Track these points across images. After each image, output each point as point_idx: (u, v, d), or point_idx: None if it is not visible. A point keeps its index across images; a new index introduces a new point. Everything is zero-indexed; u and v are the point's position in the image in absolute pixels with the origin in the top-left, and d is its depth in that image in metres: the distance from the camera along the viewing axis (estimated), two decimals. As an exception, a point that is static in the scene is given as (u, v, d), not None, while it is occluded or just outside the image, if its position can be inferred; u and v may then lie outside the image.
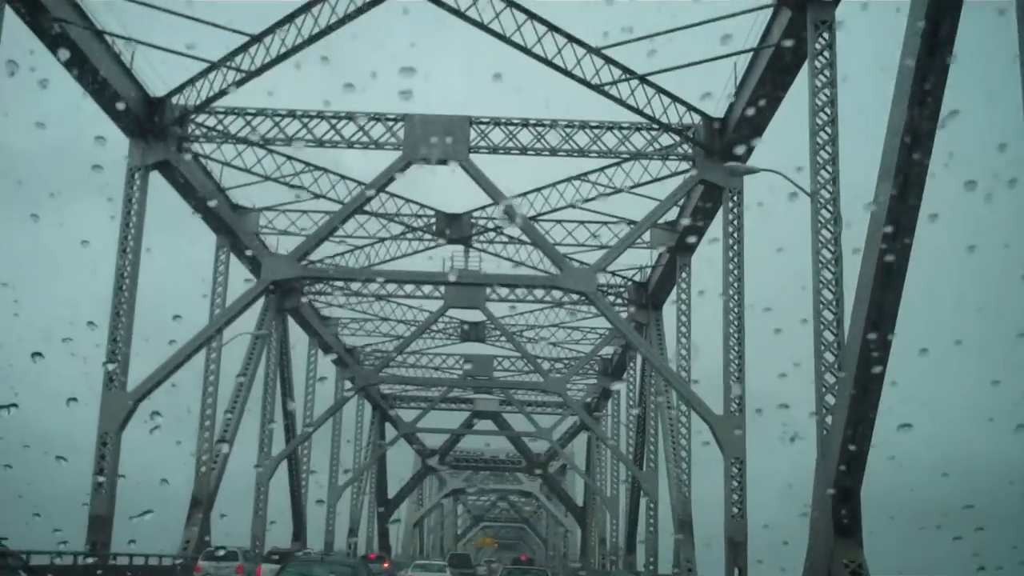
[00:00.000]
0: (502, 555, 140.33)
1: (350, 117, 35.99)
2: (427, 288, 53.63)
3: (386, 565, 47.32)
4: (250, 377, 45.69)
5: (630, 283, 52.68)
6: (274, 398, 52.43)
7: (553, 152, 36.72)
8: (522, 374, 67.71)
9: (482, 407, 76.54)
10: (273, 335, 49.19)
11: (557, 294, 52.35)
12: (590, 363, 67.01)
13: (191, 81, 33.72)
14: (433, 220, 45.80)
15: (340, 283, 53.20)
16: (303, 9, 30.81)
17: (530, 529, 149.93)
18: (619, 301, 53.27)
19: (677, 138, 35.65)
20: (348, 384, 61.31)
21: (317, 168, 40.76)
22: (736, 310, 33.58)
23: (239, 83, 32.24)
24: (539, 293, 54.00)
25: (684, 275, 43.17)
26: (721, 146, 34.32)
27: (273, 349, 50.85)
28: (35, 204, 34.34)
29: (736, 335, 33.10)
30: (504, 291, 53.78)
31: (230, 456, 42.80)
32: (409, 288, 54.23)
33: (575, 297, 49.60)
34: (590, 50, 31.42)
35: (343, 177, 41.02)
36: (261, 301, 45.18)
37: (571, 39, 31.18)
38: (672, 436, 42.36)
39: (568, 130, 36.39)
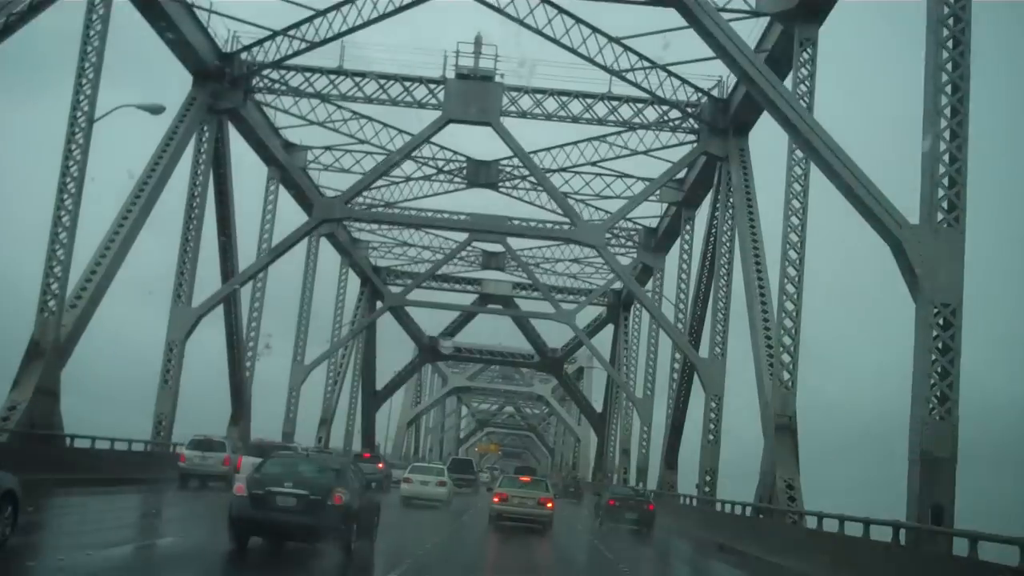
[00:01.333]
0: (506, 464, 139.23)
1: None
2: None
3: (381, 466, 45.62)
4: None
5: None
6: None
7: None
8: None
9: (491, 290, 73.38)
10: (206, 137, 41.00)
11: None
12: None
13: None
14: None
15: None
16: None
17: (537, 438, 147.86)
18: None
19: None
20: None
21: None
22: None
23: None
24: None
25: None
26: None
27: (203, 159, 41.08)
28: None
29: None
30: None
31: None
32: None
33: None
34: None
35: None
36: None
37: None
38: (766, 304, 32.38)
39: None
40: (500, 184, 51.12)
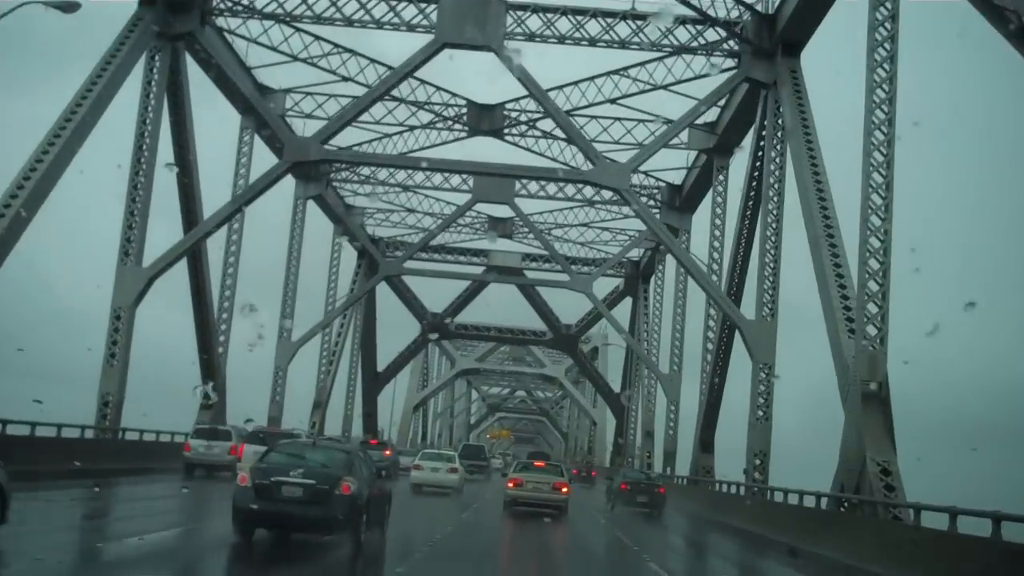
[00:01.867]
0: (518, 450, 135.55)
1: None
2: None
3: (388, 453, 44.09)
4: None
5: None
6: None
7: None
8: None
9: (499, 261, 67.36)
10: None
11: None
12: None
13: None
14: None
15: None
16: None
17: (550, 423, 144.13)
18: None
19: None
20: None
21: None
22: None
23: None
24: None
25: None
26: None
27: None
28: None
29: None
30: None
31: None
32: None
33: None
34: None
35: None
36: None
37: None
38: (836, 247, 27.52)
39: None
40: (506, 132, 45.40)
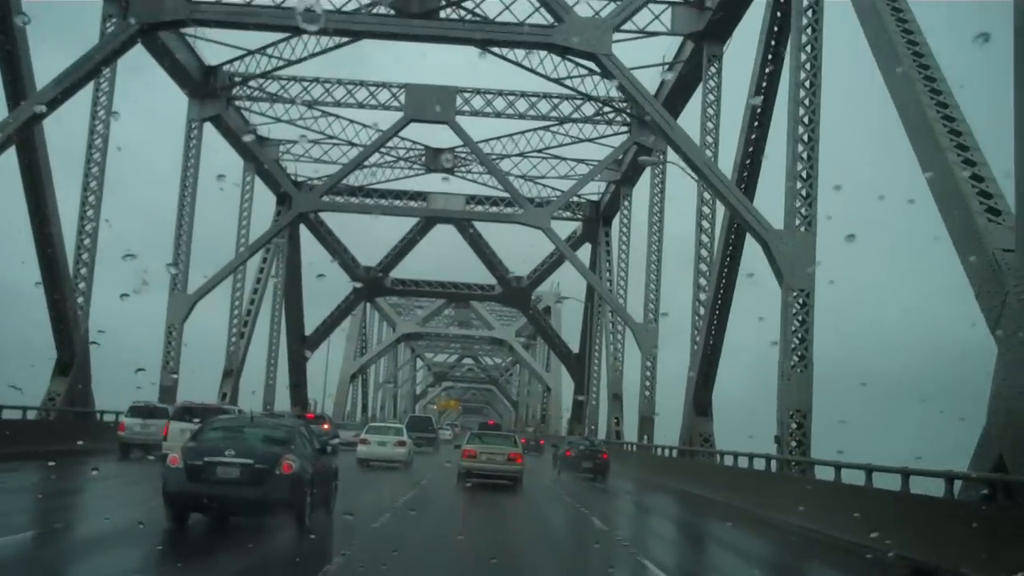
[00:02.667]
0: (467, 420, 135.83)
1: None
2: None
3: (326, 427, 42.02)
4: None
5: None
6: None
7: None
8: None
9: (441, 205, 59.55)
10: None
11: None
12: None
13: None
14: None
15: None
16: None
17: (499, 391, 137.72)
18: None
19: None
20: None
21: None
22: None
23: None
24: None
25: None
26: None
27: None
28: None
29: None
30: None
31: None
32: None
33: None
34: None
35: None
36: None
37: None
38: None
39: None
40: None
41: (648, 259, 44.43)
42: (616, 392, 51.38)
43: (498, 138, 50.10)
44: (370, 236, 67.08)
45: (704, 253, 34.16)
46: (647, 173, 45.87)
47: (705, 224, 34.79)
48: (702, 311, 32.91)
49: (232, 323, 51.69)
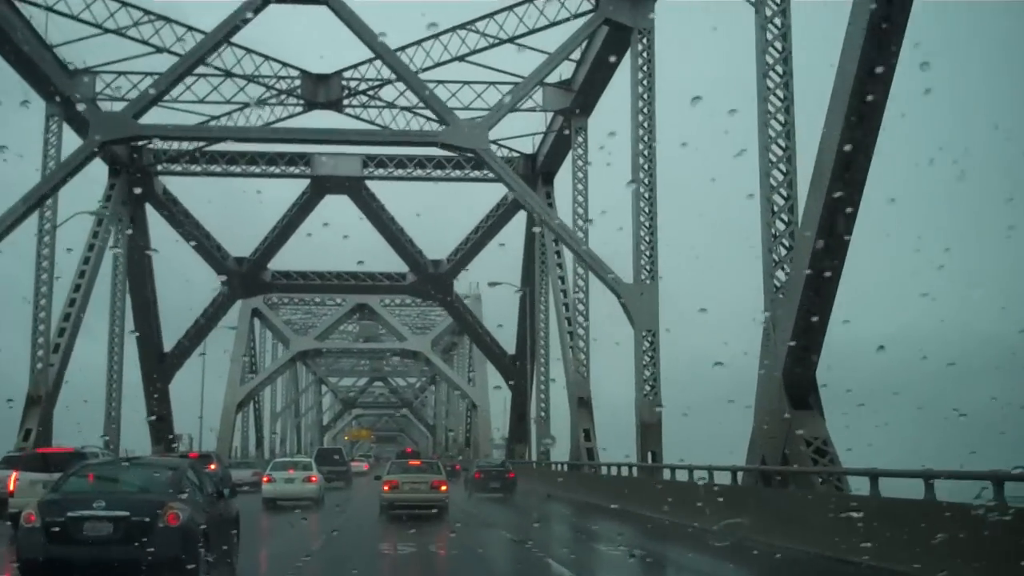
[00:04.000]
0: (381, 450, 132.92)
1: None
2: None
3: (213, 467, 36.57)
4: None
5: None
6: None
7: None
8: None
9: (329, 170, 47.06)
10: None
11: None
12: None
13: None
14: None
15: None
16: None
17: (413, 415, 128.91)
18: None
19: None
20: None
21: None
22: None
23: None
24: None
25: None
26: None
27: None
28: None
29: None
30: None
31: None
32: None
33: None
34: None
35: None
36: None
37: None
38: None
39: None
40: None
41: (639, 186, 31.16)
42: (582, 395, 38.13)
43: (403, 48, 36.49)
44: (241, 220, 51.71)
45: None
46: (620, 75, 35.45)
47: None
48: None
49: (37, 329, 37.01)
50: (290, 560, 16.38)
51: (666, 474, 27.34)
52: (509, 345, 54.52)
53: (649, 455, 30.49)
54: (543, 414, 46.96)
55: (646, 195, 31.29)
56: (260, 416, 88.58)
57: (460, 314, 54.88)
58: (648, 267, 31.50)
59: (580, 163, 40.19)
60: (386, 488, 27.70)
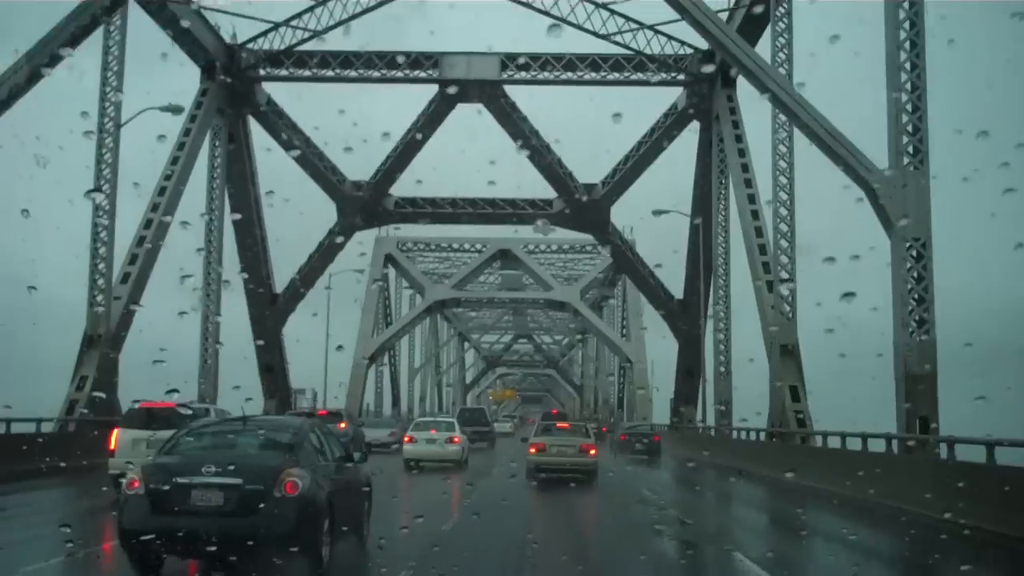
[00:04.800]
0: (526, 411, 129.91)
1: None
2: None
3: (343, 426, 33.88)
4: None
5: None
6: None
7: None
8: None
9: (462, 72, 39.79)
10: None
11: None
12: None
13: None
14: None
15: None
16: None
17: (559, 377, 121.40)
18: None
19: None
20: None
21: None
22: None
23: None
24: None
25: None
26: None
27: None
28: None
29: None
30: None
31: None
32: None
33: None
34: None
35: None
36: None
37: None
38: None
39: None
40: None
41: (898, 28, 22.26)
42: (787, 342, 29.06)
43: None
44: (357, 138, 43.95)
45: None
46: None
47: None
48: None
49: (97, 247, 30.15)
50: (429, 529, 14.47)
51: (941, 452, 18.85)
52: (674, 289, 46.09)
53: (916, 423, 21.41)
54: (723, 368, 38.18)
55: (909, 45, 22.61)
56: (396, 372, 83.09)
57: (619, 250, 45.81)
58: (912, 148, 22.37)
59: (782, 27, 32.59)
60: (532, 451, 26.74)
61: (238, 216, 40.98)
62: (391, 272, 75.38)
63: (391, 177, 42.37)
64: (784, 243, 30.37)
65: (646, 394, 64.77)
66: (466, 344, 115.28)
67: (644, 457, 38.72)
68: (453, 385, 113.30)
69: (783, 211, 31.28)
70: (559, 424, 31.47)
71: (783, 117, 30.59)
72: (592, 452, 26.52)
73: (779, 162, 31.34)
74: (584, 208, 42.26)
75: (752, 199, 33.00)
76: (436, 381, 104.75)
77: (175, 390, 19.29)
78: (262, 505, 10.37)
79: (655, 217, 39.44)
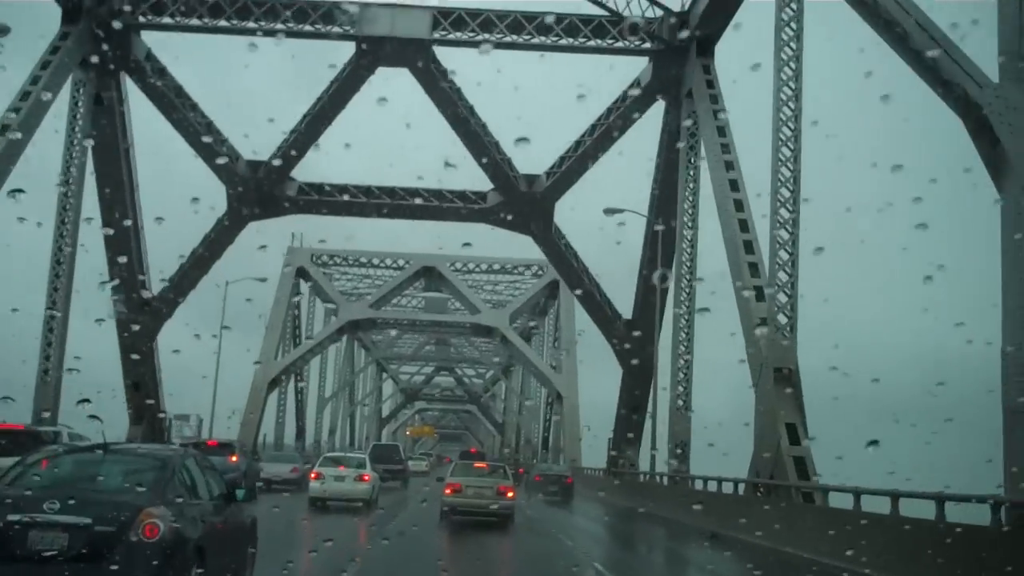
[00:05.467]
0: (444, 449, 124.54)
1: None
2: None
3: (234, 458, 31.85)
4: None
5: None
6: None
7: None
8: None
9: (385, 29, 33.75)
10: None
11: None
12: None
13: None
14: None
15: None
16: None
17: (480, 413, 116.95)
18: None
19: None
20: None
21: None
22: None
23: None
24: None
25: None
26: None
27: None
28: None
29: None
30: None
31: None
32: None
33: None
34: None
35: None
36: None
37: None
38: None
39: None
40: None
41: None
42: (783, 365, 22.49)
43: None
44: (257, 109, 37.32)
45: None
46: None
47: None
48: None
49: None
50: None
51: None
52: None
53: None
54: (682, 401, 31.68)
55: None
56: (303, 400, 76.41)
57: (561, 255, 39.04)
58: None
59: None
60: (448, 491, 26.11)
61: (107, 191, 33.77)
62: (304, 287, 68.54)
63: (293, 157, 35.30)
64: (784, 234, 23.46)
65: (576, 432, 59.10)
66: (384, 374, 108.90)
67: (557, 498, 39.89)
68: (369, 418, 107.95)
69: (783, 212, 24.70)
70: (477, 464, 30.99)
71: (792, 87, 24.10)
72: (510, 495, 25.95)
73: (781, 148, 24.62)
74: (524, 202, 35.66)
75: (735, 185, 26.80)
76: (349, 412, 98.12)
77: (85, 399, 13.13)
78: (115, 550, 8.98)
79: (606, 217, 33.16)
